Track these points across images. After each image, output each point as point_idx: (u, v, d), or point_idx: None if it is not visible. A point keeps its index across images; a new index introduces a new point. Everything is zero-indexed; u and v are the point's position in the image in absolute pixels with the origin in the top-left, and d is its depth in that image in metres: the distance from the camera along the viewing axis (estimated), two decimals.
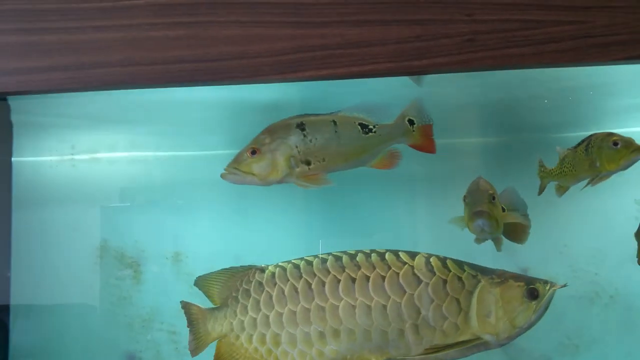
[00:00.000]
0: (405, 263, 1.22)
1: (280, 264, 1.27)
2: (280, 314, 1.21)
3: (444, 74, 1.35)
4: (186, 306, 1.30)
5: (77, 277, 1.81)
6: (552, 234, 1.75)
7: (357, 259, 1.23)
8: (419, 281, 1.20)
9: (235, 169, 1.28)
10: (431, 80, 1.40)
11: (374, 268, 1.21)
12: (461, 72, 1.20)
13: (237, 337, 1.23)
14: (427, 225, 1.82)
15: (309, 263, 1.24)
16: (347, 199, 1.80)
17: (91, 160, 1.86)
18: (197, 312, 1.28)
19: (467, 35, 1.17)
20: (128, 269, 1.82)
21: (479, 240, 1.35)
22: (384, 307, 1.19)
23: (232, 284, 1.27)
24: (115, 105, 1.65)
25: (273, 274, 1.25)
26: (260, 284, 1.25)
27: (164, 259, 1.82)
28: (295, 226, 1.83)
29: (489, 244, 1.41)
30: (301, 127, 1.31)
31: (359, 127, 1.35)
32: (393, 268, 1.21)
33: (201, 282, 1.30)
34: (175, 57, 1.17)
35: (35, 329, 1.79)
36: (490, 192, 1.30)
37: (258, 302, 1.24)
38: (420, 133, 1.38)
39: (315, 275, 1.23)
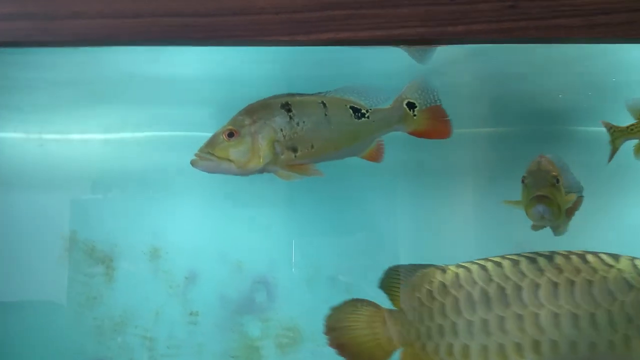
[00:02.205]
0: (610, 266, 1.09)
1: (462, 264, 1.13)
2: (470, 322, 1.07)
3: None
4: (359, 306, 1.14)
5: (40, 272, 1.69)
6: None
7: (556, 260, 1.08)
8: (630, 286, 1.07)
9: (209, 153, 1.12)
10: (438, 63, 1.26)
11: (579, 271, 1.07)
12: (501, 42, 1.04)
13: (423, 346, 1.09)
14: (415, 222, 1.75)
15: (498, 265, 1.11)
16: (337, 192, 1.71)
17: (61, 140, 1.74)
18: (376, 314, 1.13)
19: (508, 0, 1.01)
20: (99, 264, 1.71)
21: (535, 227, 1.24)
22: (593, 315, 1.05)
23: (416, 284, 1.13)
24: (90, 74, 1.50)
25: (457, 275, 1.11)
26: (444, 285, 1.11)
27: (140, 254, 1.71)
28: (280, 220, 1.74)
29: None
30: (286, 107, 1.17)
31: (351, 110, 1.21)
32: (600, 272, 1.08)
33: (386, 281, 1.15)
34: (166, 9, 0.98)
35: None
36: (553, 173, 1.17)
37: (444, 306, 1.10)
38: (425, 117, 1.24)
39: (508, 278, 1.08)
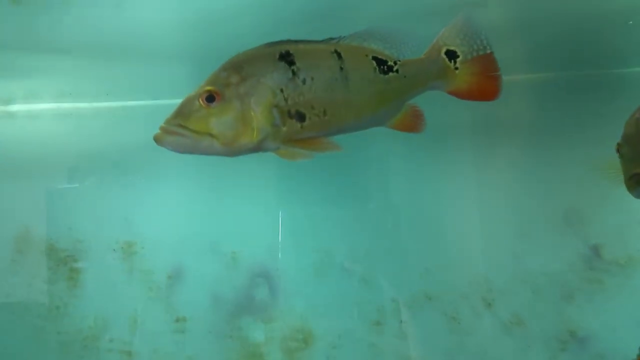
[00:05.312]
0: None
1: None
2: None
3: None
4: None
5: None
6: (628, 202, 1.50)
7: None
8: None
9: (181, 126, 0.87)
10: None
11: None
12: None
13: None
14: (438, 190, 1.60)
15: None
16: (351, 163, 1.58)
17: (2, 114, 1.59)
18: None
19: None
20: (61, 266, 1.59)
21: None
22: None
23: None
24: (32, 29, 1.30)
25: None
26: None
27: (110, 251, 1.60)
28: (281, 199, 1.61)
29: None
30: (287, 58, 0.90)
31: (374, 62, 0.95)
32: None
33: None
34: None
35: None
36: None
37: None
38: (470, 70, 1.00)
39: None
